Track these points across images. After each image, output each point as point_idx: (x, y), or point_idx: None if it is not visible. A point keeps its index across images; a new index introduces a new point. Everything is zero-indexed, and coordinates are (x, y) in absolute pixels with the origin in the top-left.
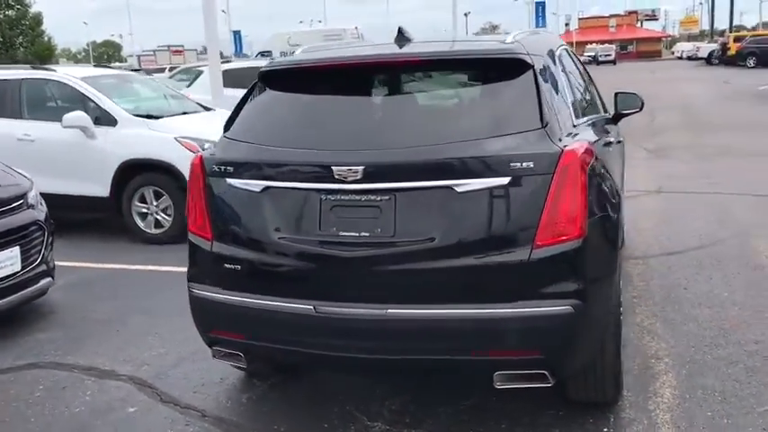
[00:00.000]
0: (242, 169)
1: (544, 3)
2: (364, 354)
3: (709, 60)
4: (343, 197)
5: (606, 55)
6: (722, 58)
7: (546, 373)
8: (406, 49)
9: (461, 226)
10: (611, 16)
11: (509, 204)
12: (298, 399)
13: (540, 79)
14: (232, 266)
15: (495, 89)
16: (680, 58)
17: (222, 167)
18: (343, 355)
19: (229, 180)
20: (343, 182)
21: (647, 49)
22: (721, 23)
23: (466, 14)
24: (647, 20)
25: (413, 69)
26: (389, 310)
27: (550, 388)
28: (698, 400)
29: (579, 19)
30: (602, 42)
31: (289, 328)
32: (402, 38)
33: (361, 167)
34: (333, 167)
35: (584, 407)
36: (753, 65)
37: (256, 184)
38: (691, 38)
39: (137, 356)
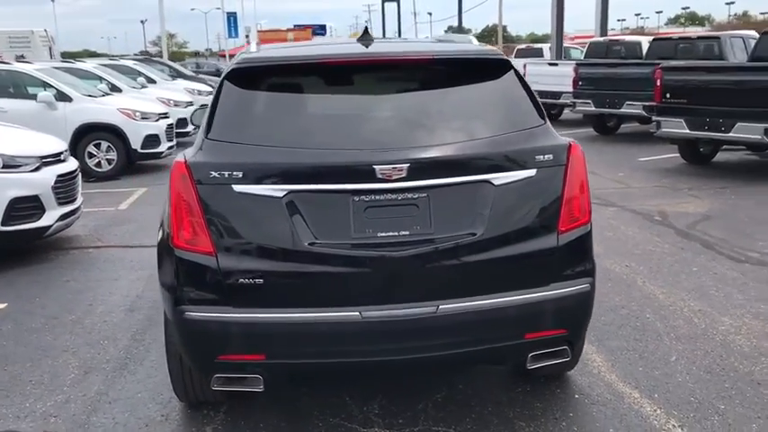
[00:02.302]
0: (255, 174)
1: (236, 14)
2: (415, 354)
3: None
4: (377, 197)
5: None
6: None
7: (567, 348)
8: (406, 48)
9: (499, 217)
10: (288, 30)
11: (537, 194)
12: (270, 422)
13: (523, 79)
14: (249, 281)
15: (494, 88)
16: None
17: (225, 173)
18: (392, 358)
19: (237, 187)
20: (385, 181)
21: None
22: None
23: None
24: (317, 34)
25: (417, 68)
26: (441, 306)
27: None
28: (621, 358)
29: (259, 31)
30: None
31: (328, 339)
32: (367, 37)
33: (406, 165)
34: (375, 167)
35: (546, 380)
36: None
37: (277, 189)
38: None
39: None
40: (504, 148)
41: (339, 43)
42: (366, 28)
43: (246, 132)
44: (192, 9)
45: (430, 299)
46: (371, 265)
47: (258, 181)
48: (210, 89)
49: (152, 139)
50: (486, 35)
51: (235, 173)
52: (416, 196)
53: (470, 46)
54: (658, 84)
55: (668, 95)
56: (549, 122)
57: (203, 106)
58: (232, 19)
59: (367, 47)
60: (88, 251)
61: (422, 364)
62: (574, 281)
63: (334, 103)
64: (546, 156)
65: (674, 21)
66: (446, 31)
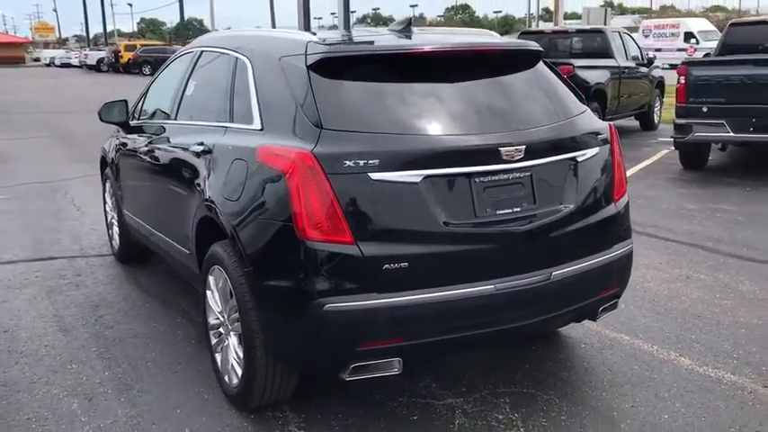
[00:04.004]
0: (392, 161)
1: None
2: (533, 318)
3: (98, 68)
4: (493, 178)
5: None
6: (114, 66)
7: (617, 301)
8: (477, 40)
9: (582, 191)
10: None
11: (601, 169)
12: (346, 411)
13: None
14: (394, 266)
15: (547, 76)
16: (49, 65)
17: (361, 162)
18: (516, 324)
19: (374, 174)
20: (507, 161)
21: (9, 55)
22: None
23: None
24: None
25: (494, 58)
26: (553, 272)
27: None
28: None
29: None
30: None
31: (466, 313)
32: (409, 29)
33: (524, 147)
34: (500, 148)
35: (550, 337)
36: (149, 72)
37: (414, 175)
38: (49, 44)
39: None
40: (581, 129)
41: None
42: (410, 20)
43: (363, 121)
44: None
45: (543, 267)
46: (496, 240)
47: (395, 168)
48: None
49: None
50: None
51: (371, 161)
52: (523, 175)
53: (514, 40)
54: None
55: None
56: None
57: (113, 102)
58: None
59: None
60: None
61: (534, 327)
62: (624, 242)
63: (431, 90)
64: (602, 135)
65: None
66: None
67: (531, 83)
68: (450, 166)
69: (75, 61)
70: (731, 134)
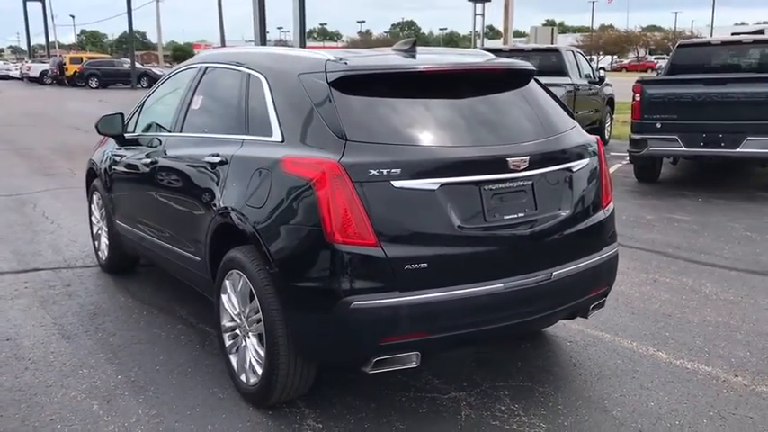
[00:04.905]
0: (412, 170)
1: None
2: (534, 315)
3: (41, 80)
4: (500, 185)
5: None
6: (59, 78)
7: (605, 299)
8: (480, 60)
9: (576, 198)
10: None
11: (591, 178)
12: (359, 405)
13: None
14: (414, 266)
15: (540, 93)
16: None
17: (384, 171)
18: (522, 320)
19: (396, 182)
20: (514, 171)
21: None
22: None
23: None
24: None
25: (496, 77)
26: (554, 272)
27: None
28: None
29: None
30: None
31: (480, 310)
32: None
33: (528, 157)
34: (508, 159)
35: (535, 336)
36: (96, 85)
37: (432, 183)
38: None
39: None
40: (574, 142)
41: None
42: (414, 41)
43: (384, 133)
44: None
45: (545, 267)
46: (504, 243)
47: (415, 176)
48: None
49: None
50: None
51: (393, 170)
52: (526, 183)
53: (510, 60)
54: (638, 99)
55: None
56: None
57: (111, 116)
58: None
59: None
60: None
61: (537, 323)
62: (611, 245)
63: (443, 105)
64: (591, 147)
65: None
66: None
67: (528, 99)
68: (463, 175)
69: (15, 73)
70: (683, 149)
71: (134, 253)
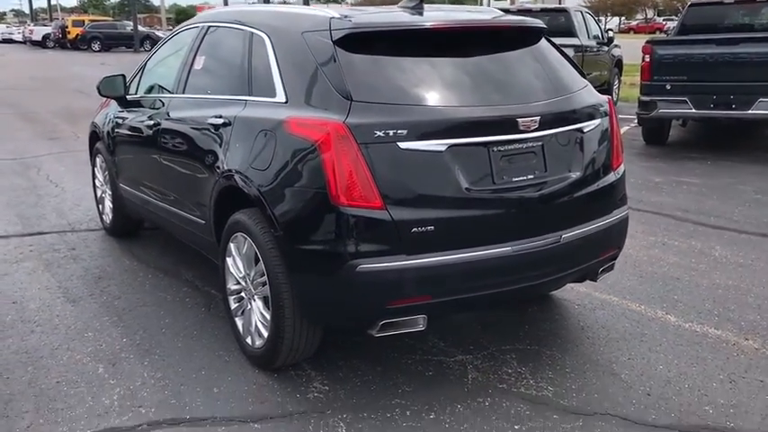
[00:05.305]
0: (419, 131)
1: None
2: (546, 277)
3: (44, 44)
4: (509, 147)
5: None
6: (61, 42)
7: (614, 263)
8: (490, 17)
9: (587, 159)
10: None
11: (602, 139)
12: (364, 368)
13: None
14: (421, 229)
15: (551, 52)
16: None
17: (390, 132)
18: (530, 284)
19: (403, 144)
20: (524, 132)
21: None
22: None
23: None
24: None
25: (505, 34)
26: (563, 235)
27: None
28: None
29: None
30: None
31: (487, 273)
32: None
33: (539, 117)
34: (518, 119)
35: (543, 300)
36: (98, 49)
37: (440, 144)
38: None
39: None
40: (585, 102)
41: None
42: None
43: (390, 93)
44: None
45: (554, 230)
46: (512, 205)
47: (422, 137)
48: None
49: None
50: None
51: (399, 131)
52: (536, 145)
53: (521, 17)
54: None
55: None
56: None
57: (113, 77)
58: None
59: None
60: None
61: (545, 287)
62: (621, 208)
63: (451, 64)
64: (603, 107)
65: None
66: None
67: (539, 58)
68: (472, 136)
69: (17, 37)
70: (693, 110)
71: (138, 216)
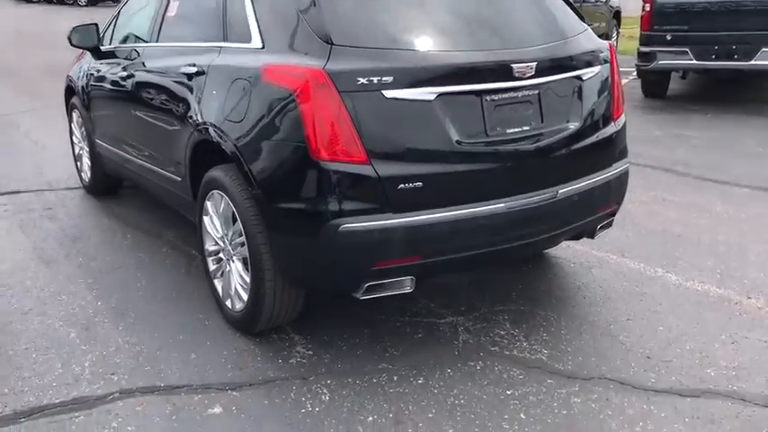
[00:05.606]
0: (406, 79)
1: None
2: (539, 236)
3: None
4: (503, 95)
5: None
6: None
7: (613, 219)
8: None
9: (586, 109)
10: None
11: (602, 88)
12: (352, 332)
13: None
14: (409, 185)
15: None
16: None
17: (374, 79)
18: (524, 242)
19: (388, 92)
20: (519, 79)
21: None
22: None
23: None
24: None
25: None
26: (560, 191)
27: None
28: None
29: None
30: None
31: (479, 232)
32: None
33: (535, 63)
34: (512, 65)
35: (539, 258)
36: (84, 3)
37: (429, 93)
38: None
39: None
40: (585, 47)
41: None
42: None
43: (375, 37)
44: None
45: (551, 185)
46: (507, 159)
47: (409, 85)
48: None
49: None
50: None
51: (385, 78)
52: (531, 93)
53: None
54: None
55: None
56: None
57: (84, 26)
58: None
59: None
60: None
61: (540, 245)
62: (621, 161)
63: (440, 5)
64: (603, 53)
65: None
66: None
67: (535, 0)
68: (463, 84)
69: None
70: (694, 61)
71: (116, 174)
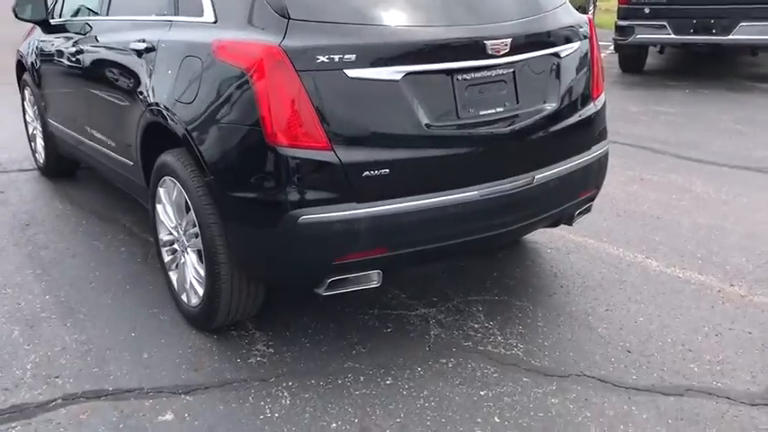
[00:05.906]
0: (370, 57)
1: None
2: (515, 224)
3: None
4: (476, 75)
5: None
6: None
7: (592, 204)
8: None
9: (564, 89)
10: None
11: (581, 65)
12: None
13: None
14: (375, 172)
15: None
16: None
17: (335, 57)
18: (499, 231)
19: (351, 71)
20: (492, 56)
21: None
22: None
23: None
24: None
25: None
26: (536, 176)
27: None
28: None
29: None
30: None
31: (450, 221)
32: None
33: (509, 40)
34: (486, 42)
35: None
36: None
37: (395, 72)
38: None
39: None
40: (563, 22)
41: None
42: None
43: (336, 11)
44: None
45: (527, 170)
46: (480, 143)
47: (374, 63)
48: None
49: None
50: None
51: (347, 56)
52: (505, 72)
53: None
54: None
55: None
56: None
57: None
58: None
59: None
60: None
61: (516, 233)
62: (601, 143)
63: None
64: (582, 28)
65: None
66: None
67: None
68: (432, 62)
69: None
70: (673, 36)
71: (70, 156)
